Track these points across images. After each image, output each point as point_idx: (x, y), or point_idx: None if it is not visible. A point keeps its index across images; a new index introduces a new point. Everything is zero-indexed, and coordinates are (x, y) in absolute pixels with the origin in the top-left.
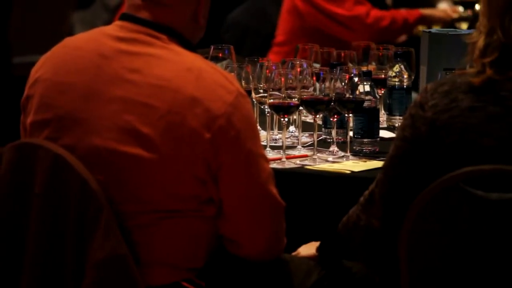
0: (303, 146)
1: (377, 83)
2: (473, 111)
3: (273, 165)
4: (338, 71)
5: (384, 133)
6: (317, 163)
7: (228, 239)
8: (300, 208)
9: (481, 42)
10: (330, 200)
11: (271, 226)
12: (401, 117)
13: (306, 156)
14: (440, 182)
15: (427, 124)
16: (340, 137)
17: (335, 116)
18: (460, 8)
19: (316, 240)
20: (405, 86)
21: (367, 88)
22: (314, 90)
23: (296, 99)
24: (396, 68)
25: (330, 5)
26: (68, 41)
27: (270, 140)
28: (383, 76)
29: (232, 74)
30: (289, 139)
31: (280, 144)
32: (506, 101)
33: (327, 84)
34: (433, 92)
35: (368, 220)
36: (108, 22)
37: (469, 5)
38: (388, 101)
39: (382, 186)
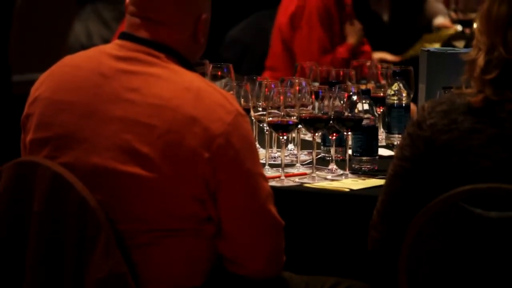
0: (302, 164)
1: (376, 101)
2: (473, 133)
3: (272, 183)
4: (337, 90)
5: (383, 151)
6: (316, 181)
7: (228, 258)
8: (299, 226)
9: (481, 60)
10: (329, 218)
11: (270, 244)
12: (399, 135)
13: (305, 174)
14: (440, 200)
15: (426, 143)
16: (339, 155)
17: (334, 134)
18: (459, 27)
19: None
20: (404, 105)
21: (366, 106)
22: (313, 108)
23: (295, 117)
24: (395, 86)
25: (301, 42)
26: (67, 59)
27: (269, 158)
28: (382, 94)
29: (231, 92)
30: (288, 157)
31: (279, 162)
32: (504, 122)
33: (326, 102)
34: (431, 111)
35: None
36: (105, 37)
37: (467, 24)
38: (387, 119)
39: (383, 205)
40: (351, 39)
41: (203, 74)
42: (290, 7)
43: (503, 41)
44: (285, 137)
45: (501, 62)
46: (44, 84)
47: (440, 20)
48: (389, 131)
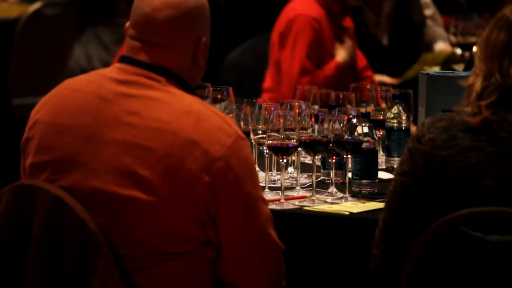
0: (301, 187)
1: (376, 124)
2: (473, 151)
3: (272, 206)
4: (336, 113)
5: (382, 175)
6: (316, 204)
7: (227, 281)
8: (299, 250)
9: (478, 85)
10: (329, 241)
11: (270, 268)
12: (399, 159)
13: (304, 197)
14: (439, 223)
15: (425, 158)
16: (338, 178)
17: (334, 157)
18: (458, 50)
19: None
20: (403, 128)
21: (366, 129)
22: (313, 131)
23: (294, 140)
24: (395, 109)
25: (284, 61)
26: (67, 83)
27: (269, 181)
28: (381, 117)
29: (231, 115)
30: (287, 180)
31: (279, 185)
32: (504, 142)
33: (325, 125)
34: (430, 126)
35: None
36: (105, 60)
37: (466, 47)
38: (386, 143)
39: (384, 223)
40: (338, 57)
41: (204, 97)
42: (280, 26)
43: (499, 67)
44: (285, 160)
45: (497, 88)
46: (44, 108)
47: (440, 46)
48: (388, 154)
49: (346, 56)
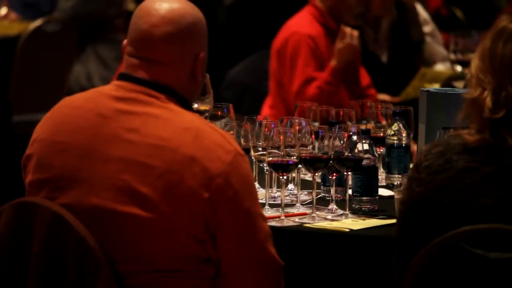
0: (302, 204)
1: (376, 141)
2: (469, 172)
3: (272, 223)
4: (337, 129)
5: (383, 191)
6: (316, 221)
7: None
8: (299, 267)
9: (488, 101)
10: (329, 258)
11: (270, 285)
12: (400, 176)
13: (305, 214)
14: (439, 241)
15: (422, 185)
16: (339, 195)
17: (334, 174)
18: (458, 68)
19: None
20: (403, 145)
21: (366, 146)
22: (313, 148)
23: (295, 157)
24: (395, 126)
25: (284, 81)
26: (67, 101)
27: (269, 198)
28: (381, 134)
29: (231, 132)
30: (288, 197)
31: (279, 202)
32: (502, 161)
33: (326, 142)
34: (427, 153)
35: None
36: (105, 77)
37: (466, 65)
38: (387, 160)
39: (394, 249)
40: (333, 61)
41: (205, 112)
42: (277, 43)
43: (511, 80)
44: (285, 177)
45: (509, 101)
46: (44, 126)
47: (440, 67)
48: (389, 171)
49: (338, 60)
